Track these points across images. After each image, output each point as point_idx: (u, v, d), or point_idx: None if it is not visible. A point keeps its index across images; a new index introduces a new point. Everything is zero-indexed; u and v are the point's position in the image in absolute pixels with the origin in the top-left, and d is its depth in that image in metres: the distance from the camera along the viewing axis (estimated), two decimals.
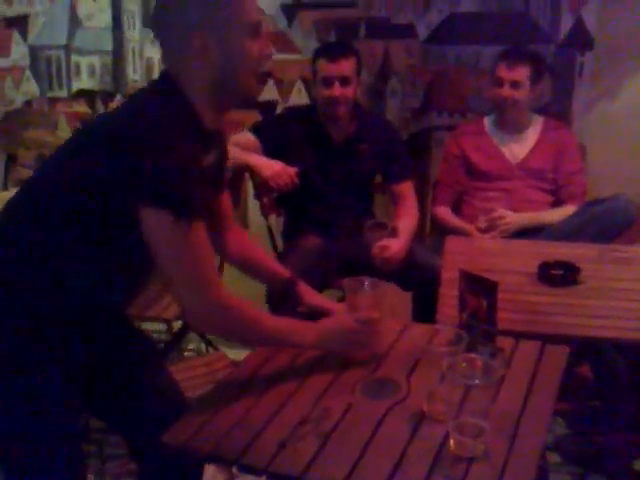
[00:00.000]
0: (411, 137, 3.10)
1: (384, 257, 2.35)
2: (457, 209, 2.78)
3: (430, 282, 2.13)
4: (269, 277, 1.77)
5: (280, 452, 1.22)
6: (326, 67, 2.43)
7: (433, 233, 2.86)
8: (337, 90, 2.43)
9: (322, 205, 2.57)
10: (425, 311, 2.01)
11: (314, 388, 1.44)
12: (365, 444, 1.24)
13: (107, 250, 1.36)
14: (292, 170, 2.42)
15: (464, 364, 1.33)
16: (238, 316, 1.40)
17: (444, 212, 2.75)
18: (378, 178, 2.72)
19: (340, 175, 2.56)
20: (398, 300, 2.48)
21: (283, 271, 1.76)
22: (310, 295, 1.73)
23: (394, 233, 2.42)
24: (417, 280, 2.40)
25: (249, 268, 1.76)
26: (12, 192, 3.25)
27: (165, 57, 1.38)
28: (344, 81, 2.43)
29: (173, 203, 1.26)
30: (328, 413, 1.33)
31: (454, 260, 2.13)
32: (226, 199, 1.71)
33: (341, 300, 1.75)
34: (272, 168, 2.41)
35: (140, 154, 1.24)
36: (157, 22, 1.38)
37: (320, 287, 2.42)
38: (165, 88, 1.37)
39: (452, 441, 1.21)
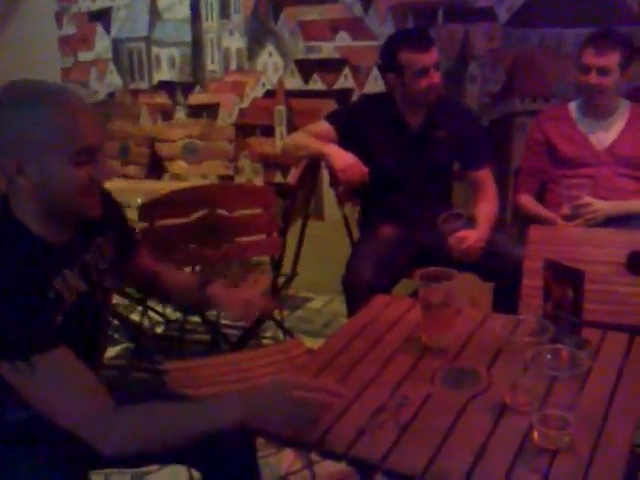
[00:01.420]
0: (491, 123, 3.03)
1: (462, 248, 2.31)
2: (540, 197, 2.69)
3: (511, 272, 2.08)
4: (186, 291, 1.68)
5: (359, 438, 1.22)
6: (419, 58, 2.37)
7: (515, 222, 2.79)
8: (436, 76, 2.39)
9: (399, 194, 2.54)
10: (506, 302, 1.96)
11: (393, 376, 1.43)
12: (445, 434, 1.23)
13: None
14: (364, 167, 2.38)
15: (549, 355, 1.29)
16: (133, 420, 1.23)
17: (527, 200, 2.68)
18: (456, 165, 2.67)
19: (417, 163, 2.53)
20: (478, 291, 2.44)
21: (194, 280, 1.69)
22: (219, 292, 1.65)
23: (472, 223, 2.38)
24: (498, 270, 2.34)
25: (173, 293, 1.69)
26: None
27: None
28: (436, 68, 2.40)
29: (1, 351, 1.16)
30: (407, 402, 1.32)
31: (537, 249, 2.07)
32: (143, 256, 1.66)
33: (415, 293, 1.72)
34: (344, 160, 2.38)
35: None
36: None
37: (396, 277, 2.42)
38: None
39: (536, 433, 1.18)
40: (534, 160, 2.68)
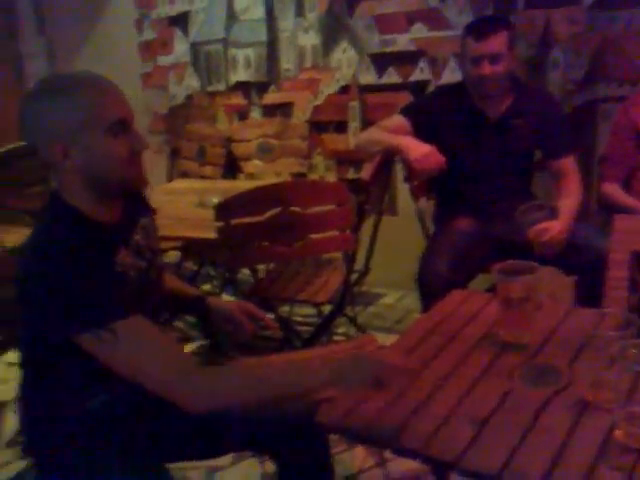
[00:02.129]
0: (575, 110, 2.90)
1: (543, 241, 2.22)
2: (626, 186, 2.56)
3: (595, 265, 1.98)
4: (187, 302, 1.69)
5: (435, 436, 1.18)
6: (474, 46, 2.32)
7: (599, 212, 2.66)
8: (486, 68, 2.31)
9: (477, 186, 2.47)
10: (589, 296, 1.87)
11: (470, 372, 1.38)
12: (524, 432, 1.17)
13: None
14: (440, 156, 2.33)
15: (635, 350, 1.21)
16: (226, 377, 1.30)
17: (612, 189, 2.55)
18: (537, 155, 2.57)
19: (496, 153, 2.45)
20: (559, 285, 2.34)
21: (193, 291, 1.70)
22: (217, 305, 1.66)
23: (554, 214, 2.28)
24: (581, 263, 2.24)
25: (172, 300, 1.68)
26: (176, 183, 3.46)
27: (46, 169, 1.35)
28: (493, 59, 2.31)
29: (84, 323, 1.22)
30: (485, 399, 1.27)
31: (623, 240, 1.95)
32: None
33: (493, 288, 1.66)
34: (419, 150, 2.34)
35: (33, 293, 1.25)
36: (26, 136, 1.31)
37: (473, 272, 2.35)
38: (49, 211, 1.35)
39: (620, 431, 1.11)
40: (620, 147, 2.55)
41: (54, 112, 1.27)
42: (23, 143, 1.34)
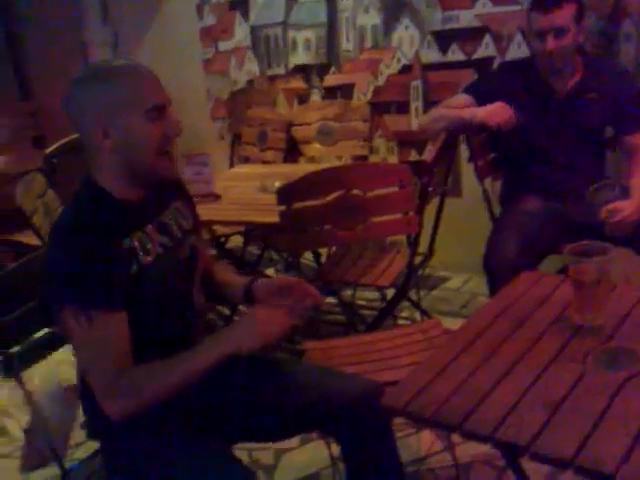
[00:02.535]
0: None
1: (615, 221, 2.13)
2: None
3: None
4: (238, 290, 1.67)
5: (506, 420, 1.16)
6: (539, 19, 2.25)
7: None
8: (551, 43, 2.23)
9: (545, 164, 2.40)
10: None
11: (542, 355, 1.36)
12: (598, 417, 1.14)
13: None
14: (509, 109, 2.29)
15: None
16: (133, 384, 1.35)
17: None
18: (609, 131, 2.47)
19: (564, 130, 2.37)
20: (633, 266, 2.25)
21: (243, 278, 1.70)
22: (264, 285, 1.63)
23: (626, 193, 2.19)
24: None
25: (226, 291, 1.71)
26: (238, 169, 3.48)
27: (84, 149, 1.44)
28: (558, 32, 2.23)
29: (67, 303, 1.32)
30: (557, 382, 1.24)
31: None
32: (205, 252, 1.70)
33: (564, 270, 1.60)
34: (487, 108, 2.31)
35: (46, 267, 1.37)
36: (71, 120, 1.40)
37: (542, 254, 2.29)
38: (81, 190, 1.44)
39: None
40: None
41: (96, 96, 1.35)
42: None
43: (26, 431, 2.64)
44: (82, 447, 2.03)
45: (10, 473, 2.43)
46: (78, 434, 2.39)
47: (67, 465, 1.71)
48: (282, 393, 1.57)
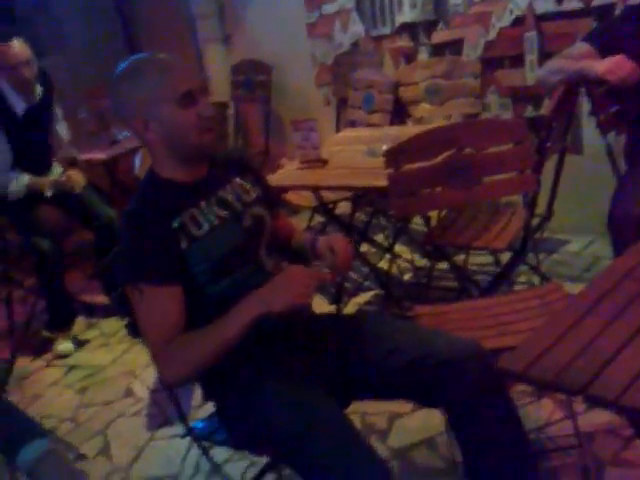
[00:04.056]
0: None
1: None
2: None
3: None
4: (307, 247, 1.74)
5: (633, 385, 1.07)
6: None
7: None
8: None
9: None
10: None
11: None
12: None
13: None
14: (631, 62, 2.12)
15: None
16: (179, 355, 1.46)
17: None
18: None
19: None
20: None
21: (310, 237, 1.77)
22: (324, 242, 1.67)
23: None
24: None
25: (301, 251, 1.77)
26: (344, 133, 3.44)
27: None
28: None
29: (123, 277, 1.52)
30: None
31: None
32: (282, 218, 1.81)
33: None
34: (607, 62, 2.16)
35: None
36: (115, 117, 1.60)
37: None
38: (143, 179, 1.62)
39: None
40: None
41: (130, 93, 1.50)
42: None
43: (152, 391, 2.77)
44: (204, 407, 2.10)
45: (137, 432, 2.56)
46: (199, 395, 2.48)
47: (190, 424, 1.76)
48: (383, 347, 1.57)
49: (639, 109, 2.29)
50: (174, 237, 1.49)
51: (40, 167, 3.34)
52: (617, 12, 2.84)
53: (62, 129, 3.53)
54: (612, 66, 2.14)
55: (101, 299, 3.41)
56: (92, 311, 3.56)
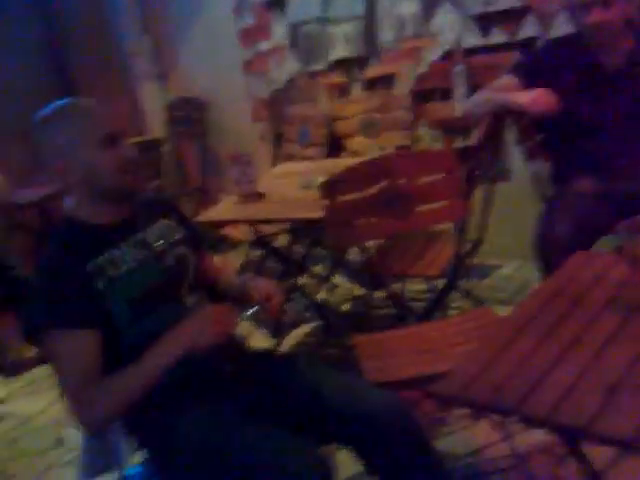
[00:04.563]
0: None
1: None
2: None
3: None
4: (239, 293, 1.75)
5: (562, 403, 1.10)
6: None
7: None
8: (597, 15, 2.14)
9: (596, 141, 2.29)
10: None
11: (597, 337, 1.29)
12: None
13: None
14: (552, 95, 2.20)
15: None
16: (97, 396, 1.45)
17: None
18: None
19: (616, 107, 2.26)
20: None
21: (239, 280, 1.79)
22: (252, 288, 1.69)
23: None
24: None
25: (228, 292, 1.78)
26: (280, 168, 3.47)
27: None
28: (605, 3, 2.14)
29: (37, 321, 1.47)
30: (614, 364, 1.17)
31: None
32: (207, 259, 1.81)
33: (619, 248, 1.53)
34: (529, 94, 2.24)
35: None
36: (37, 161, 1.58)
37: (597, 234, 2.19)
38: (59, 221, 1.61)
39: None
40: None
41: (51, 138, 1.52)
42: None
43: (84, 439, 2.68)
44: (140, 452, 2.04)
45: None
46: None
47: (125, 471, 1.72)
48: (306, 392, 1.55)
49: (561, 138, 2.38)
50: (89, 279, 1.48)
51: None
52: (539, 44, 2.98)
53: None
54: (534, 98, 2.22)
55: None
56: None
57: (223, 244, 3.76)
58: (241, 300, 1.68)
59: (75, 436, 2.71)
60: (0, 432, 2.90)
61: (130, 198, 1.60)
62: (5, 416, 3.03)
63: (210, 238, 2.98)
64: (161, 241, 1.63)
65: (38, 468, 2.59)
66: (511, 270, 3.29)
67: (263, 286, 1.66)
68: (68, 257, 1.50)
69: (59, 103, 1.58)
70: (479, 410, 1.44)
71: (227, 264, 3.19)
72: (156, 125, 4.65)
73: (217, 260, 1.91)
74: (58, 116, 1.54)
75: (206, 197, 4.31)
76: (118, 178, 1.52)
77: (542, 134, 2.54)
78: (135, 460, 2.09)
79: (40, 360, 1.71)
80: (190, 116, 4.44)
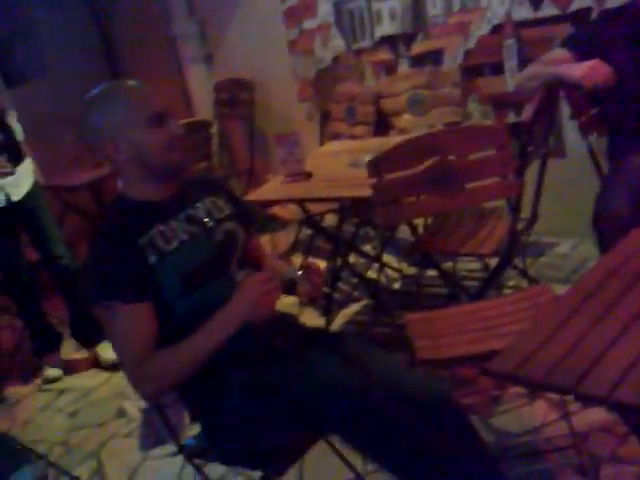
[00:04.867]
0: None
1: None
2: None
3: None
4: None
5: (622, 381, 1.07)
6: None
7: None
8: None
9: None
10: None
11: None
12: None
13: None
14: (607, 66, 2.13)
15: None
16: (153, 370, 1.50)
17: None
18: None
19: None
20: None
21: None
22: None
23: None
24: None
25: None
26: (328, 146, 3.46)
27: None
28: None
29: (93, 297, 1.51)
30: None
31: None
32: (256, 241, 1.83)
33: None
34: (583, 66, 2.16)
35: None
36: (87, 143, 1.61)
37: None
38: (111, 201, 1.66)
39: None
40: None
41: (101, 120, 1.55)
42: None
43: (144, 411, 2.75)
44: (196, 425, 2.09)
45: (131, 452, 2.54)
46: None
47: (182, 442, 1.76)
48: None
49: (617, 111, 2.31)
50: (141, 254, 1.52)
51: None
52: (593, 16, 2.88)
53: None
54: (588, 70, 2.15)
55: None
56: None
57: (272, 224, 3.78)
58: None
59: (135, 408, 2.80)
60: (61, 405, 3.01)
61: (178, 175, 1.64)
62: (66, 389, 3.13)
63: (260, 217, 2.99)
64: (210, 217, 1.66)
65: (99, 439, 2.68)
66: (568, 248, 3.22)
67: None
68: (121, 234, 1.55)
69: (106, 85, 1.62)
70: (535, 389, 1.41)
71: (276, 245, 3.21)
72: (204, 107, 4.68)
73: (265, 241, 1.92)
74: (106, 98, 1.57)
75: (254, 178, 4.33)
76: (166, 156, 1.56)
77: (597, 108, 2.47)
78: (191, 432, 2.16)
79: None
80: (237, 97, 4.46)
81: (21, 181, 3.10)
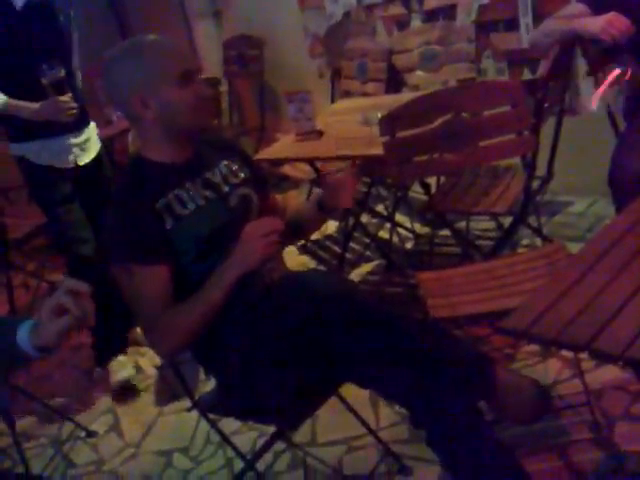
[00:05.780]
0: None
1: None
2: None
3: None
4: (311, 210, 1.82)
5: (637, 339, 1.07)
6: None
7: None
8: None
9: None
10: None
11: None
12: None
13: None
14: (625, 18, 2.07)
15: None
16: (168, 327, 1.53)
17: None
18: None
19: None
20: None
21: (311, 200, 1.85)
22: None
23: None
24: None
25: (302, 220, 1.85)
26: (339, 104, 3.42)
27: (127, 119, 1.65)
28: None
29: (113, 257, 1.54)
30: None
31: None
32: (272, 201, 1.84)
33: None
34: (600, 20, 2.11)
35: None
36: (108, 97, 1.61)
37: None
38: (128, 162, 1.67)
39: None
40: None
41: (131, 72, 1.51)
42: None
43: (159, 368, 2.79)
44: (211, 381, 2.11)
45: (147, 407, 2.58)
46: None
47: (196, 397, 1.79)
48: None
49: (635, 66, 2.27)
50: (159, 217, 1.54)
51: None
52: None
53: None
54: (605, 24, 2.10)
55: None
56: None
57: (284, 182, 3.77)
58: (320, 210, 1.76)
59: (150, 365, 2.83)
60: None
61: (199, 137, 1.64)
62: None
63: (271, 177, 2.98)
64: (225, 182, 1.67)
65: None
66: (583, 207, 3.19)
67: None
68: (137, 196, 1.55)
69: (136, 38, 1.59)
70: (549, 345, 1.41)
71: (289, 202, 3.19)
72: (212, 64, 4.63)
73: (280, 198, 1.92)
74: (137, 51, 1.54)
75: (265, 136, 4.30)
76: (194, 115, 1.55)
77: (615, 64, 2.42)
78: (206, 387, 2.19)
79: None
80: (246, 54, 4.40)
81: (89, 145, 2.74)
